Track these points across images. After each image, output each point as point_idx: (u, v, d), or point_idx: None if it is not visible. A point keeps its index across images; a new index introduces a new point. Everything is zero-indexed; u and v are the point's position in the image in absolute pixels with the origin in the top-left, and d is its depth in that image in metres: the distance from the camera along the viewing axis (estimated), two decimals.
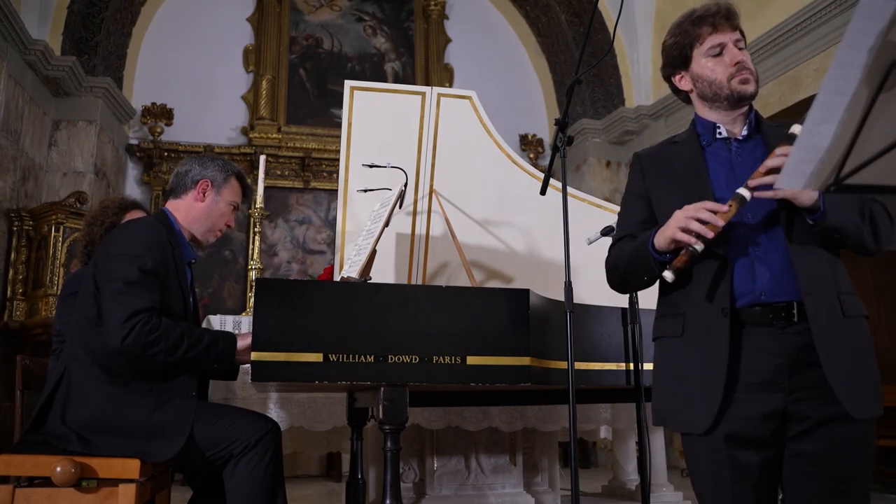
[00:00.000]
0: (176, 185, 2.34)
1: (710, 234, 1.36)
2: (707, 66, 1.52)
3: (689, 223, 1.38)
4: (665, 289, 1.59)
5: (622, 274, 1.63)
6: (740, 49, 1.53)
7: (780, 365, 1.38)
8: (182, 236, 2.29)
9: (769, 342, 1.39)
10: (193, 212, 2.31)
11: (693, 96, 1.60)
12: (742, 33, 1.55)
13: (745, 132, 1.53)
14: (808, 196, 1.37)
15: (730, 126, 1.53)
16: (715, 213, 1.37)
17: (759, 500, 1.41)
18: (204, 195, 2.32)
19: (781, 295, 1.40)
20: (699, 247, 1.36)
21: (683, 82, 1.60)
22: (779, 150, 1.39)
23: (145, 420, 2.01)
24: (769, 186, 1.37)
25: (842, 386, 1.34)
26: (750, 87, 1.50)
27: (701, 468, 1.46)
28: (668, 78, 1.64)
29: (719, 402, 1.39)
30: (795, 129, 1.41)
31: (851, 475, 1.36)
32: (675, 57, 1.57)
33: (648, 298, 2.62)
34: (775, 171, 1.36)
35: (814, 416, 1.36)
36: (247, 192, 2.44)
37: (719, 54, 1.52)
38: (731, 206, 1.38)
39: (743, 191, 1.39)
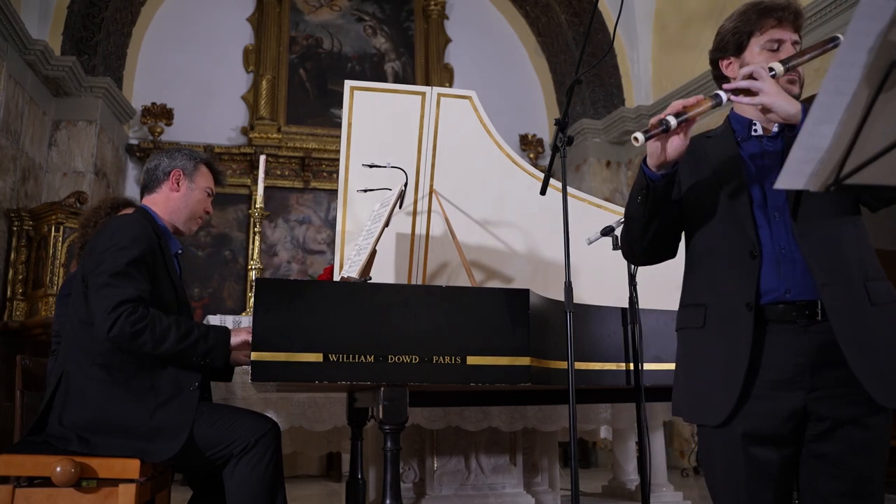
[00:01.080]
0: (149, 181, 2.35)
1: (679, 107, 1.37)
2: (760, 58, 1.51)
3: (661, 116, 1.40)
4: (688, 279, 1.58)
5: (625, 222, 1.62)
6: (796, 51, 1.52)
7: (802, 364, 1.37)
8: (166, 229, 2.29)
9: (792, 340, 1.39)
10: (171, 202, 2.32)
11: None
12: (800, 36, 1.54)
13: (776, 129, 1.52)
14: (787, 105, 1.36)
15: (765, 123, 1.52)
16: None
17: (775, 499, 1.40)
18: (178, 184, 2.32)
19: (805, 293, 1.39)
20: (671, 119, 1.36)
21: (731, 69, 1.57)
22: (751, 64, 1.44)
23: (146, 420, 2.01)
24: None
25: (869, 377, 1.32)
26: (795, 89, 1.50)
27: (716, 464, 1.46)
28: (714, 61, 1.61)
29: (737, 395, 1.39)
30: (774, 65, 1.42)
31: (869, 476, 1.36)
32: (730, 42, 1.55)
33: (649, 298, 2.62)
34: (749, 77, 1.40)
35: (832, 416, 1.36)
36: (218, 177, 2.44)
37: (775, 50, 1.51)
38: (707, 99, 1.40)
39: (720, 92, 1.41)
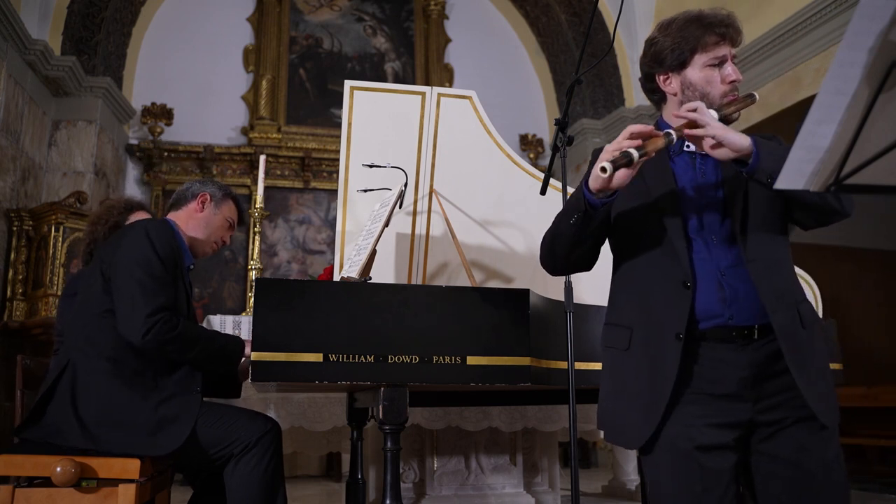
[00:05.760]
0: (177, 199, 2.48)
1: (637, 139, 1.35)
2: (701, 75, 1.48)
3: (620, 144, 1.36)
4: (616, 297, 1.56)
5: (551, 235, 1.57)
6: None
7: (745, 378, 1.38)
8: (183, 242, 2.36)
9: (732, 356, 1.39)
10: (193, 221, 2.43)
11: (672, 100, 1.54)
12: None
13: None
14: (738, 138, 1.35)
15: (714, 156, 1.48)
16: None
17: None
18: (203, 206, 2.44)
19: (748, 318, 1.40)
20: (634, 152, 1.33)
21: (669, 85, 1.52)
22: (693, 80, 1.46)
23: (150, 414, 2.03)
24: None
25: (813, 398, 1.35)
26: (736, 114, 1.49)
27: (667, 482, 1.41)
28: (650, 76, 1.56)
29: (657, 424, 1.38)
30: (712, 112, 1.40)
31: (825, 475, 1.36)
32: (669, 57, 1.50)
33: None
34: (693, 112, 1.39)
35: (779, 419, 1.38)
36: (242, 216, 2.58)
37: (716, 65, 1.48)
38: (661, 136, 1.37)
39: (671, 130, 1.38)
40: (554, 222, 1.57)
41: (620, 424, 1.48)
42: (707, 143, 1.37)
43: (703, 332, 1.40)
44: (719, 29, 1.46)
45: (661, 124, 1.55)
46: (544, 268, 1.66)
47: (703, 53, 1.47)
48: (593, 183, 1.39)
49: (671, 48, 1.49)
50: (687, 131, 1.38)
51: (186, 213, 2.44)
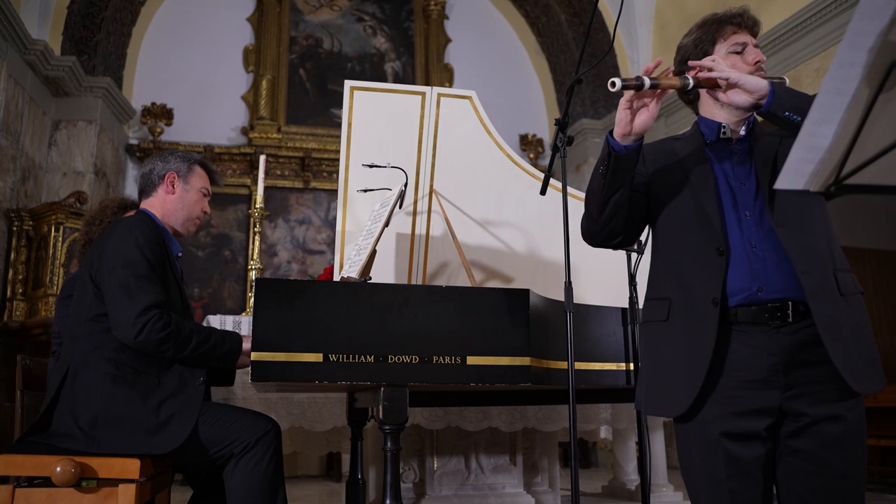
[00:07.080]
0: (145, 185, 2.38)
1: (650, 70, 1.42)
2: (728, 64, 1.52)
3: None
4: (654, 273, 1.60)
5: (586, 195, 1.60)
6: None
7: (776, 363, 1.39)
8: (167, 231, 2.32)
9: (764, 340, 1.40)
10: (168, 205, 2.35)
11: (703, 94, 1.59)
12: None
13: (743, 132, 1.54)
14: (753, 79, 1.40)
15: (734, 126, 1.54)
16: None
17: (756, 497, 1.41)
18: (173, 187, 2.35)
19: (777, 291, 1.40)
20: (646, 78, 1.39)
21: None
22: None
23: (150, 414, 2.03)
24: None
25: (844, 363, 1.35)
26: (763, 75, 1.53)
27: (695, 465, 1.46)
28: (681, 74, 1.62)
29: (698, 389, 1.40)
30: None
31: (845, 473, 1.37)
32: (693, 53, 1.58)
33: None
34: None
35: (809, 414, 1.38)
36: (213, 177, 2.47)
37: (740, 52, 1.54)
38: (676, 77, 1.43)
39: (688, 75, 1.44)
40: (588, 185, 1.61)
41: (661, 394, 1.49)
42: (722, 89, 1.42)
43: (734, 311, 1.41)
44: (735, 19, 1.56)
45: (700, 121, 1.60)
46: (584, 239, 1.68)
47: (723, 42, 1.56)
48: (616, 128, 1.46)
49: (694, 44, 1.59)
50: (702, 74, 1.43)
51: (159, 199, 2.35)
